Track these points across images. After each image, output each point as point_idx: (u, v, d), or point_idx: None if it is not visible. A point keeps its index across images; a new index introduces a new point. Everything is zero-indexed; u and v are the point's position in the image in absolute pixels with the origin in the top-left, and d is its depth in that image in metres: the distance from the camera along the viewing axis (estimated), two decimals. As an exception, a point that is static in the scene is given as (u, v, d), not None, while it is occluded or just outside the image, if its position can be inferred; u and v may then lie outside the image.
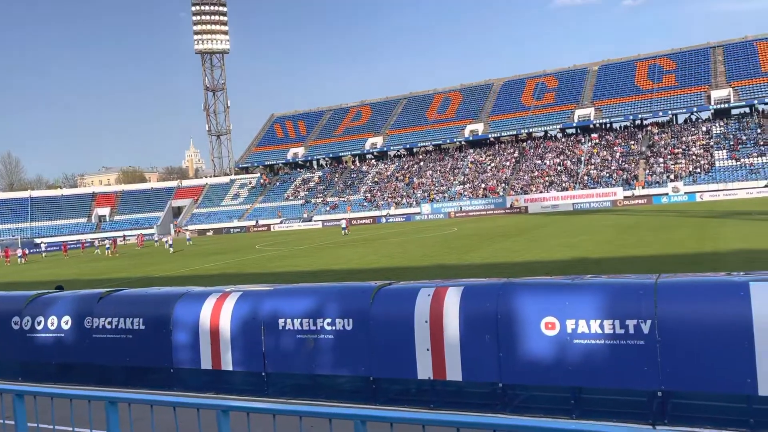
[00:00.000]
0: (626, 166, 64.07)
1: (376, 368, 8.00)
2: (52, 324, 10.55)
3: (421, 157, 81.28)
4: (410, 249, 30.49)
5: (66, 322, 10.47)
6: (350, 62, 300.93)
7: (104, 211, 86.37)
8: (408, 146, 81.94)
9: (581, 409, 6.85)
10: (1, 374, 10.41)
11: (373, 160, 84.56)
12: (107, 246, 51.41)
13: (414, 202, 70.67)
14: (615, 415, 6.65)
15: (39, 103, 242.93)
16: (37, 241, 74.67)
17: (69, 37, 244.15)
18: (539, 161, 70.10)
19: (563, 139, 72.81)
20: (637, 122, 70.53)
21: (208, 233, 76.00)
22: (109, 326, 10.10)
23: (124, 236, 76.01)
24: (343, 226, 51.28)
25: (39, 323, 10.65)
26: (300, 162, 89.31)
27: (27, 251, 56.93)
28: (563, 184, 64.27)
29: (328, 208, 75.71)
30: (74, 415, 3.92)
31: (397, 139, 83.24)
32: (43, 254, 59.70)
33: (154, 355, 9.58)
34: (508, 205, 63.96)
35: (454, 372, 7.52)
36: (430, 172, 76.41)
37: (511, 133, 75.86)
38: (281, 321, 8.64)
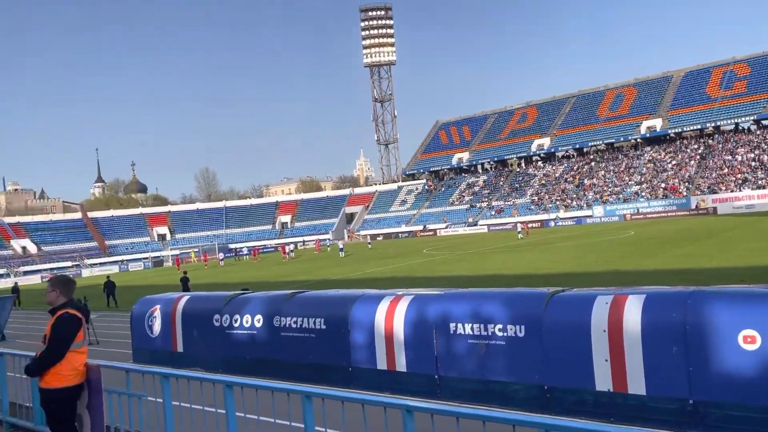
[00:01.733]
0: (839, 158, 55.48)
1: (550, 377, 7.75)
2: (247, 322, 11.63)
3: (591, 157, 77.28)
4: (582, 254, 29.05)
5: (258, 321, 11.48)
6: (514, 64, 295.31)
7: (286, 218, 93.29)
8: (577, 146, 78.34)
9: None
10: (206, 366, 11.65)
11: (539, 162, 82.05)
12: (291, 250, 56.05)
13: (585, 205, 67.31)
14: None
15: (231, 125, 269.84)
16: (231, 246, 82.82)
17: (256, 66, 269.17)
18: (729, 157, 63.10)
19: (758, 132, 64.93)
20: None
21: (378, 238, 78.94)
22: (294, 325, 10.89)
23: (303, 241, 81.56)
24: (519, 229, 50.56)
25: (236, 321, 11.80)
26: (464, 167, 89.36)
27: (224, 255, 63.63)
28: (759, 182, 57.26)
29: (493, 212, 74.82)
30: (274, 406, 4.32)
31: (565, 139, 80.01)
32: (246, 257, 66.44)
33: (334, 353, 10.15)
34: (693, 206, 58.37)
35: (636, 385, 7.05)
36: (603, 172, 72.31)
37: (695, 127, 69.22)
38: (452, 325, 8.71)
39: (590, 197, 68.19)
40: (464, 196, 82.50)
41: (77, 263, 74.60)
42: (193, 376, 5.05)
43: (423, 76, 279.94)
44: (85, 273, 68.81)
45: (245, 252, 67.88)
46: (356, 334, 9.87)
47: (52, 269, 70.11)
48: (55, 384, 5.42)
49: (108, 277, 30.82)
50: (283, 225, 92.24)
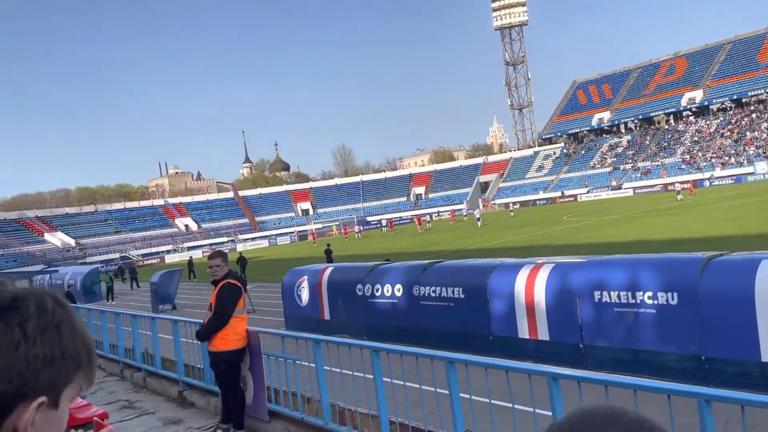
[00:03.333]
0: None
1: (708, 347, 7.25)
2: (388, 291, 12.02)
3: (752, 108, 69.62)
4: (742, 215, 26.49)
5: (398, 290, 11.82)
6: (656, 14, 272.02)
7: (420, 189, 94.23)
8: (735, 97, 70.88)
9: None
10: (351, 333, 12.22)
11: (691, 117, 75.41)
12: (428, 221, 56.62)
13: (745, 161, 61.01)
14: None
15: (363, 99, 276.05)
16: (369, 219, 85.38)
17: (385, 37, 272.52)
18: None
19: None
20: None
21: (514, 206, 77.45)
22: (433, 294, 11.08)
23: (438, 212, 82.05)
24: (678, 189, 47.25)
25: (377, 290, 12.24)
26: (606, 127, 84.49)
27: (362, 227, 65.87)
28: None
29: (639, 174, 70.20)
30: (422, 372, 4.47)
31: (720, 90, 72.69)
32: (383, 229, 68.56)
33: (474, 322, 10.22)
34: None
35: (812, 357, 6.41)
36: (766, 124, 64.98)
37: None
38: (597, 293, 8.41)
39: (751, 153, 61.64)
40: (606, 159, 78.19)
41: (232, 239, 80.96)
42: (343, 342, 5.34)
43: (556, 35, 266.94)
44: (239, 247, 74.43)
45: (384, 224, 69.77)
46: (495, 302, 9.84)
47: (211, 245, 76.69)
48: (222, 347, 5.99)
49: (240, 253, 33.03)
50: (418, 197, 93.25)
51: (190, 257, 37.88)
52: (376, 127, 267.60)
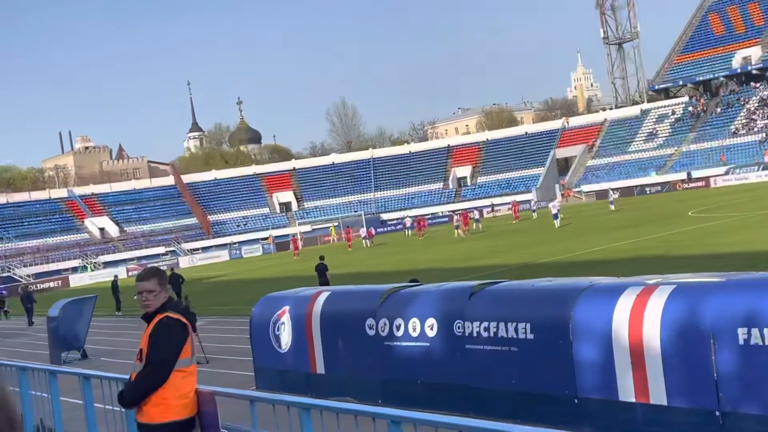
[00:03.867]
0: None
1: None
2: (414, 329, 12.00)
3: None
4: None
5: (431, 327, 11.80)
6: None
7: (464, 170, 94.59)
8: None
9: None
10: (359, 393, 12.20)
11: None
12: (456, 224, 56.80)
13: None
14: None
15: (374, 35, 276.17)
16: (384, 217, 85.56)
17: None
18: None
19: None
20: None
21: (614, 194, 76.82)
22: (485, 333, 11.06)
23: (493, 206, 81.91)
24: None
25: (398, 327, 12.23)
26: (754, 71, 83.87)
27: (373, 231, 65.99)
28: None
29: (808, 145, 69.81)
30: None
31: None
32: (408, 232, 68.83)
33: (550, 376, 10.17)
34: None
35: None
36: None
37: None
38: (742, 332, 8.34)
39: None
40: (755, 121, 77.63)
41: (173, 249, 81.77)
42: (345, 408, 5.32)
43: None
44: (184, 262, 74.95)
45: (409, 223, 69.91)
46: (583, 346, 9.80)
47: (140, 259, 77.23)
48: (159, 418, 6.00)
49: (173, 270, 33.16)
50: (460, 181, 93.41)
51: (115, 278, 37.98)
52: (393, 77, 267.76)
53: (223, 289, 40.11)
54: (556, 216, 49.95)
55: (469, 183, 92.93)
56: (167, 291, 6.19)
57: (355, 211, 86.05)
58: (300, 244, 65.57)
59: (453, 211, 77.48)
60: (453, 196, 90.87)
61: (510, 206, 71.29)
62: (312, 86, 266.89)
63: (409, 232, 68.59)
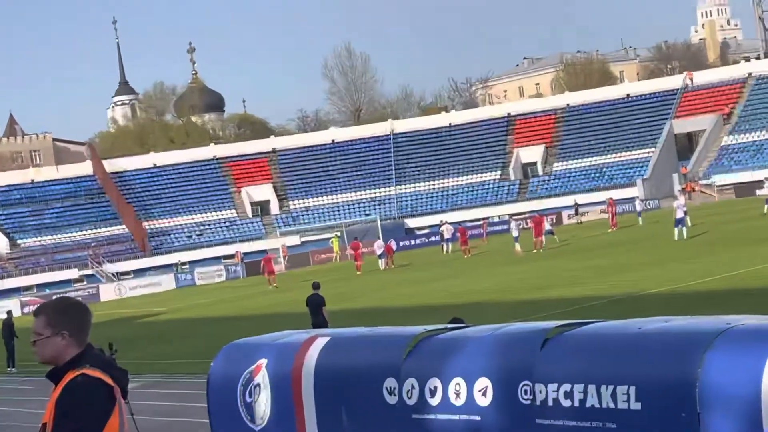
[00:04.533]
0: None
1: None
2: (457, 395, 11.96)
3: None
4: None
5: (483, 392, 11.75)
6: None
7: (532, 152, 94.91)
8: None
9: None
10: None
11: None
12: (515, 234, 56.82)
13: None
14: None
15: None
16: (411, 224, 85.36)
17: None
18: None
19: None
20: None
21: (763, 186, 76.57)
22: (566, 402, 10.96)
23: (576, 207, 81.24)
24: None
25: (433, 392, 12.18)
26: None
27: (394, 245, 65.73)
28: None
29: None
30: None
31: None
32: (445, 247, 68.71)
33: (666, 467, 10.12)
34: None
35: None
36: None
37: None
38: None
39: None
40: None
41: (89, 272, 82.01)
42: None
43: None
44: (107, 294, 75.15)
45: (449, 234, 69.46)
46: (717, 420, 9.73)
47: (40, 287, 77.40)
48: None
49: (8, 314, 33.35)
50: (526, 170, 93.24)
51: (8, 316, 38.26)
52: (424, 11, 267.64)
53: (167, 333, 40.10)
54: (680, 221, 49.58)
55: (540, 172, 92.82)
56: (78, 333, 6.15)
57: (367, 215, 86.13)
58: (281, 263, 65.38)
59: (514, 216, 77.48)
60: (516, 191, 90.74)
61: (604, 207, 71.13)
62: (301, 27, 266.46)
63: (449, 247, 68.45)
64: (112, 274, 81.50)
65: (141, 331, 41.03)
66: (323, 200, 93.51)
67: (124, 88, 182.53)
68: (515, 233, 57.00)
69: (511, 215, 79.51)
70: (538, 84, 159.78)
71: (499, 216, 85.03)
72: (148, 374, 27.22)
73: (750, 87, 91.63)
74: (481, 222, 77.37)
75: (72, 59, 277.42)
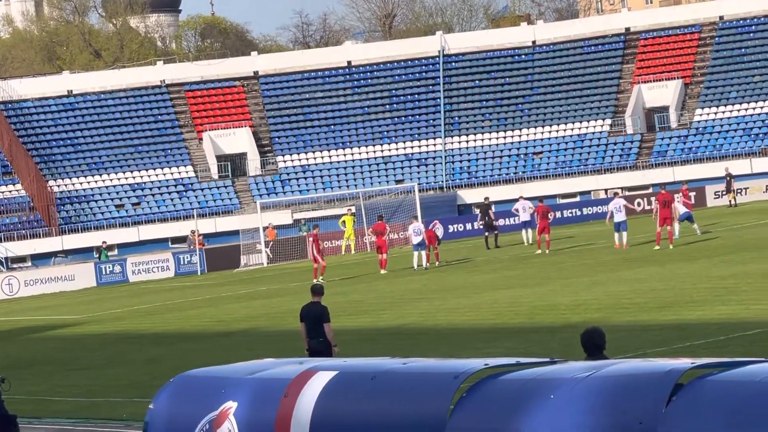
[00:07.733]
0: None
1: None
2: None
3: None
4: None
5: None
6: None
7: (662, 93, 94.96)
8: None
9: None
10: None
11: None
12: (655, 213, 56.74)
13: None
14: None
15: None
16: (467, 198, 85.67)
17: None
18: None
19: None
20: None
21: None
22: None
23: (729, 177, 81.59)
24: None
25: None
26: None
27: (440, 229, 66.03)
28: None
29: None
30: None
31: None
32: (524, 235, 68.93)
33: None
34: None
35: None
36: None
37: None
38: None
39: None
40: None
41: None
42: None
43: None
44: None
45: (525, 214, 69.79)
46: None
47: None
48: None
49: None
50: (654, 117, 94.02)
51: None
52: None
53: (82, 355, 40.55)
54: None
55: (673, 122, 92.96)
56: None
57: (399, 182, 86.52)
58: (261, 251, 65.62)
59: (627, 190, 77.69)
60: (634, 151, 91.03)
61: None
62: None
63: (529, 235, 69.25)
64: (1, 260, 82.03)
65: (42, 352, 41.30)
66: (329, 156, 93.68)
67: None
68: (619, 216, 56.23)
69: (624, 189, 79.42)
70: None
71: (606, 190, 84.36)
72: (50, 419, 27.37)
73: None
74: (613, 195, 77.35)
75: None
